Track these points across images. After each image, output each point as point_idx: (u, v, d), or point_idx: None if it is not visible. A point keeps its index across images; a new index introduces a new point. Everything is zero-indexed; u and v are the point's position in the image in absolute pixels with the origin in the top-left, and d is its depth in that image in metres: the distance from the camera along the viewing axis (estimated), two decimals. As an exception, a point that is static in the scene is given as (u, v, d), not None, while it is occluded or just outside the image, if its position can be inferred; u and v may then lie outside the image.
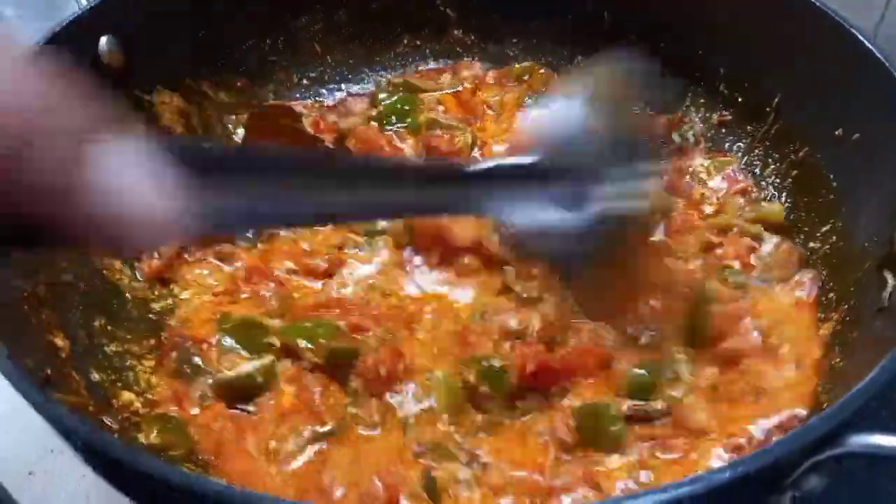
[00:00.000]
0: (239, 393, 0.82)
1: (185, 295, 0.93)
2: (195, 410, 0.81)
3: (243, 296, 0.92)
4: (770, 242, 0.95)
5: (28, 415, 0.59)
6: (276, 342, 0.84)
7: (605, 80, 0.77)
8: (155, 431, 0.77)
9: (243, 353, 0.84)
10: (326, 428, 0.78)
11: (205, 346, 0.86)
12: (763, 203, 1.00)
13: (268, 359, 0.83)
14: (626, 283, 0.81)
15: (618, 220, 0.72)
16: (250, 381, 0.82)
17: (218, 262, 0.96)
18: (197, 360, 0.85)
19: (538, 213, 0.69)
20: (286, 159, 0.59)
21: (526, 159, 0.70)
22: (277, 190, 0.56)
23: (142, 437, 0.76)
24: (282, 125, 0.97)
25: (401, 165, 0.77)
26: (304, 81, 1.20)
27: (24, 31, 1.19)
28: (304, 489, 0.74)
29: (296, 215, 0.64)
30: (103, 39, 0.93)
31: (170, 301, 0.93)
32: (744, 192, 1.02)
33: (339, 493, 0.73)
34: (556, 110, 0.76)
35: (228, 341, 0.85)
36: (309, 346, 0.82)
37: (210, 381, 0.83)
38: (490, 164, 0.73)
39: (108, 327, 0.87)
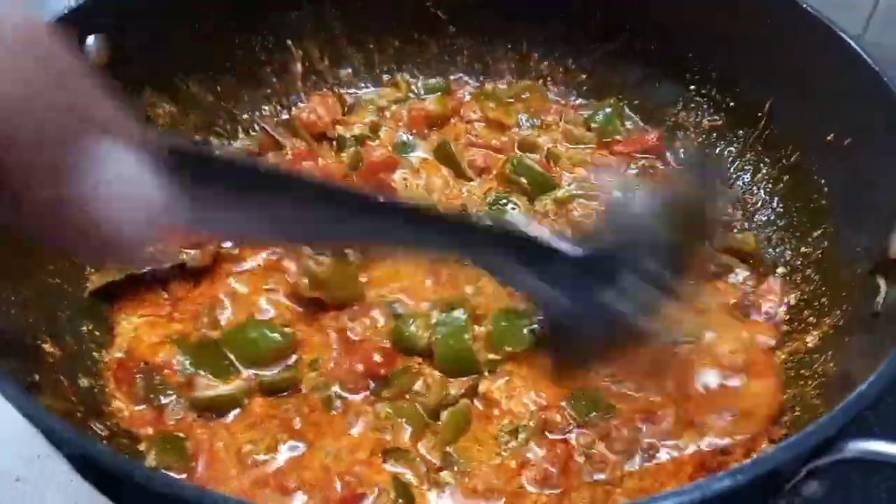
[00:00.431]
0: (218, 409, 0.81)
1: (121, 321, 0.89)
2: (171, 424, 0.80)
3: (175, 314, 0.91)
4: (740, 274, 0.95)
5: (14, 420, 0.58)
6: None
7: (686, 199, 0.75)
8: (154, 451, 0.76)
9: (208, 377, 0.82)
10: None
11: (166, 371, 0.83)
12: (737, 234, 1.00)
13: (242, 382, 0.82)
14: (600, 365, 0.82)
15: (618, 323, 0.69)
16: (230, 399, 0.81)
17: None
18: (163, 386, 0.82)
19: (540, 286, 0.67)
20: (296, 183, 0.56)
21: (575, 250, 0.67)
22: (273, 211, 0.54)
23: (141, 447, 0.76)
24: None
25: (414, 211, 0.67)
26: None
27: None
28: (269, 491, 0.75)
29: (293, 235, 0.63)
30: (90, 38, 0.92)
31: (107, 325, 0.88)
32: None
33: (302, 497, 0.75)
34: (633, 209, 0.75)
35: (190, 367, 0.83)
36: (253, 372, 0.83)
37: (181, 400, 0.81)
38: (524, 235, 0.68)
39: (96, 332, 0.86)
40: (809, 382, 0.80)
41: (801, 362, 0.84)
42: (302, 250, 0.91)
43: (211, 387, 0.81)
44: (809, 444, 0.54)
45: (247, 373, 0.83)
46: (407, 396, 0.82)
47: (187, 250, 0.91)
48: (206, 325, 0.88)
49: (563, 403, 0.82)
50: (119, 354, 0.85)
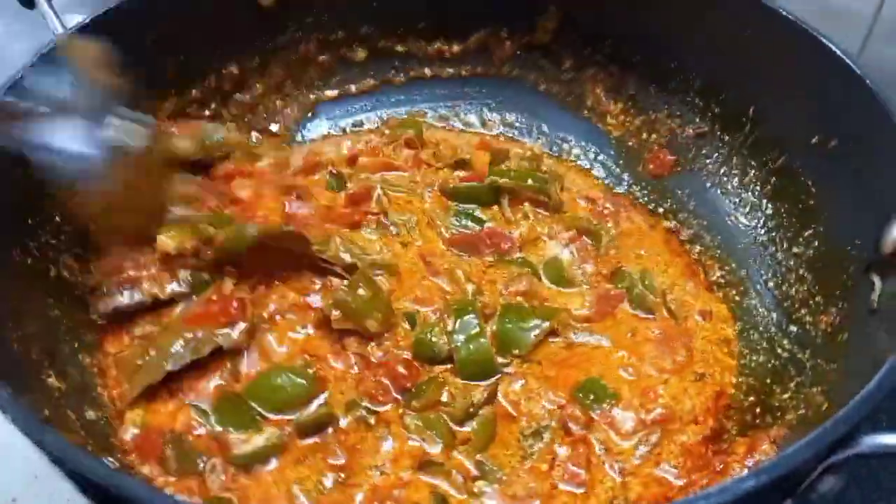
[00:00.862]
0: (259, 461, 0.79)
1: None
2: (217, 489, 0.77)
3: None
4: None
5: (11, 441, 0.57)
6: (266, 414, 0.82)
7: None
8: None
9: (238, 433, 0.80)
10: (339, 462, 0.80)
11: (191, 437, 0.81)
12: None
13: (275, 431, 0.80)
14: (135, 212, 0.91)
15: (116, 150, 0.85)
16: (269, 449, 0.79)
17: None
18: (194, 452, 0.79)
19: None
20: None
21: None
22: None
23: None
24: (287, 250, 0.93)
25: None
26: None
27: (12, 46, 1.20)
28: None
29: None
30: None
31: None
32: None
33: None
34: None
35: (216, 424, 0.81)
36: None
37: (217, 461, 0.78)
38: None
39: (95, 368, 0.85)
40: (810, 381, 0.82)
41: (800, 361, 0.86)
42: (332, 281, 0.91)
43: (246, 442, 0.79)
44: (830, 439, 0.55)
45: (275, 418, 0.82)
46: (438, 407, 0.83)
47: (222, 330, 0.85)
48: (228, 378, 0.85)
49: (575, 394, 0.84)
50: (135, 431, 0.81)
